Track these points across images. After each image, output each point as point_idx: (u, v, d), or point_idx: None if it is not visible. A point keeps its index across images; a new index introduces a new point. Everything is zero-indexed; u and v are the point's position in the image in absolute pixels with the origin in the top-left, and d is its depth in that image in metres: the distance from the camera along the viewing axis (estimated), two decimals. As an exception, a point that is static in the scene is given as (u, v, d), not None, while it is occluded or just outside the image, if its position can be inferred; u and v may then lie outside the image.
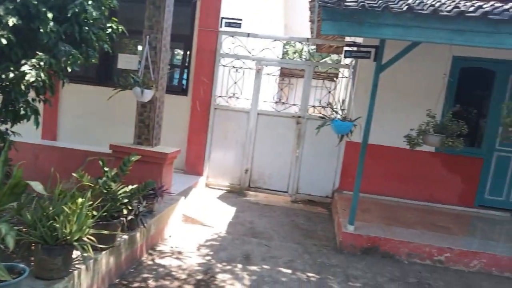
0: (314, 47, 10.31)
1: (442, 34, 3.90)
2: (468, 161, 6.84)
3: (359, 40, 6.47)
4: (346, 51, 5.33)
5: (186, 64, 7.21)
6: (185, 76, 7.30)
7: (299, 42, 6.92)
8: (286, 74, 14.38)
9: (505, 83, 6.56)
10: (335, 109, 4.61)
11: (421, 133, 4.67)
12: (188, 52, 7.16)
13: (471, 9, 3.85)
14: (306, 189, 7.30)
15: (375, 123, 6.55)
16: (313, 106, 7.14)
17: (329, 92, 6.93)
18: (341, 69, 7.48)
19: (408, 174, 6.93)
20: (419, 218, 6.05)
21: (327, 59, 12.70)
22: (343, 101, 6.40)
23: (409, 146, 4.81)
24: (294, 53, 16.83)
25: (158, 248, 4.57)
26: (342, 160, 7.10)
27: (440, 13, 3.76)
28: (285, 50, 17.29)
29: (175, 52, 7.89)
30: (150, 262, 4.19)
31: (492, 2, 4.35)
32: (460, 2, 4.33)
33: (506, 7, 3.89)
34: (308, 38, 6.89)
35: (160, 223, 4.67)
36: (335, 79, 10.99)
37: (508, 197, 6.91)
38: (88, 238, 3.06)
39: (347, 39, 7.47)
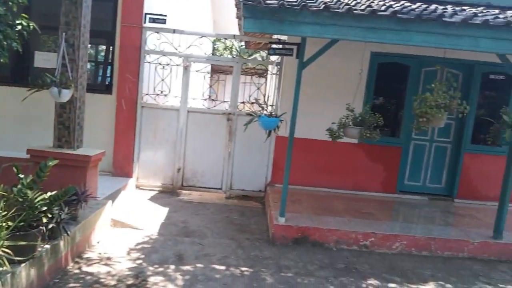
0: (243, 43, 10.39)
1: (357, 32, 4.12)
2: (388, 150, 7.29)
3: (285, 37, 6.62)
4: (270, 48, 5.43)
5: (110, 61, 6.91)
6: (109, 73, 6.99)
7: (226, 38, 6.93)
8: (218, 71, 14.35)
9: (418, 77, 7.09)
10: (261, 106, 4.68)
11: (341, 126, 4.91)
12: (111, 49, 6.87)
13: (383, 8, 4.10)
14: (240, 185, 7.36)
15: (302, 117, 6.78)
16: (243, 102, 7.17)
17: (258, 88, 7.01)
18: (270, 66, 7.60)
19: (334, 165, 7.24)
20: (346, 206, 6.36)
21: (257, 55, 12.82)
22: (268, 97, 6.53)
23: (331, 139, 5.03)
24: (225, 49, 16.80)
25: (85, 256, 4.37)
26: (272, 154, 7.25)
27: (355, 11, 3.97)
28: (215, 46, 17.20)
29: (100, 49, 7.54)
30: (76, 271, 3.99)
31: (402, 2, 4.67)
32: (374, 1, 4.59)
33: (413, 6, 4.20)
34: (234, 35, 6.92)
35: (86, 229, 4.46)
36: (265, 75, 11.17)
37: (424, 182, 7.49)
38: (3, 251, 2.85)
39: (275, 36, 7.62)
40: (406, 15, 3.99)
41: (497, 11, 4.81)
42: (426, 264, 4.92)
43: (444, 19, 3.99)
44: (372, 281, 4.32)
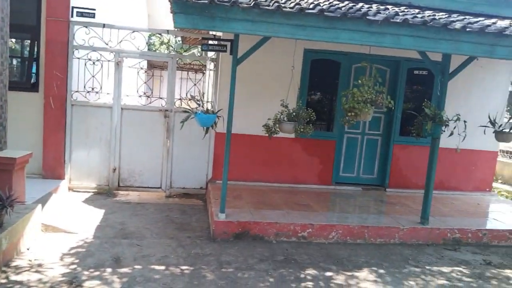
0: (179, 38, 10.21)
1: (287, 29, 4.21)
2: (324, 144, 7.56)
3: (220, 33, 6.61)
4: (203, 44, 5.40)
5: (35, 57, 6.51)
6: (35, 70, 6.58)
7: (160, 34, 6.78)
8: (156, 66, 13.98)
9: (349, 73, 7.40)
10: (198, 102, 4.65)
11: (277, 121, 5.01)
12: (36, 44, 6.47)
13: (311, 6, 4.23)
14: (180, 183, 7.27)
15: (241, 113, 6.86)
16: (180, 99, 7.07)
17: (195, 84, 6.94)
18: (208, 62, 7.56)
19: (274, 159, 7.38)
20: (285, 199, 6.51)
21: (195, 51, 12.69)
22: (204, 94, 6.50)
23: (267, 135, 5.12)
24: (161, 44, 16.43)
25: (13, 264, 4.10)
26: (213, 151, 7.23)
27: (284, 9, 4.05)
28: (151, 41, 16.76)
29: (26, 44, 7.06)
30: (3, 281, 3.74)
31: (331, 0, 4.84)
32: (304, -1, 4.71)
33: (341, 5, 4.37)
34: (168, 30, 6.79)
35: (13, 236, 4.18)
36: (204, 71, 11.08)
37: (358, 173, 7.86)
38: None
39: (212, 32, 7.58)
40: (333, 13, 4.14)
41: (416, 10, 5.14)
42: (360, 252, 5.18)
43: (368, 17, 4.20)
44: (310, 271, 4.47)
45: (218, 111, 4.73)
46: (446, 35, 4.42)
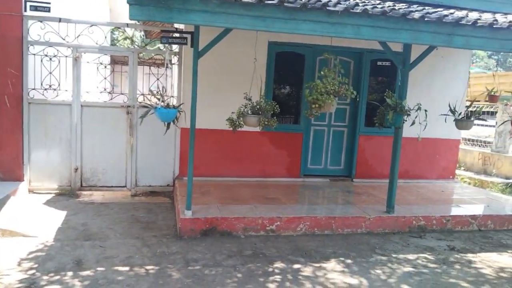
0: (143, 32, 9.97)
1: (246, 21, 4.14)
2: (291, 137, 7.56)
3: (183, 26, 6.47)
4: (162, 37, 5.25)
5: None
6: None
7: (119, 28, 6.56)
8: (120, 62, 13.59)
9: (313, 65, 7.40)
10: (157, 97, 4.51)
11: (240, 115, 4.94)
12: (-13, 40, 6.14)
13: (272, -4, 4.17)
14: (146, 181, 7.10)
15: (207, 107, 6.77)
16: (142, 94, 6.87)
17: (158, 79, 6.75)
18: (171, 55, 7.37)
19: (242, 153, 7.32)
20: (253, 193, 6.47)
21: (160, 45, 12.41)
22: (165, 88, 6.34)
23: (231, 129, 5.05)
24: (125, 39, 16.00)
25: (-35, 273, 3.89)
26: (179, 146, 7.10)
27: (243, 0, 3.97)
28: (115, 36, 16.30)
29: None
30: (-47, 292, 3.54)
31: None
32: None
33: (301, -5, 4.32)
34: (128, 24, 6.58)
35: (-36, 243, 3.95)
36: (170, 65, 10.80)
37: (326, 165, 7.91)
38: None
39: (176, 25, 7.41)
40: (292, 4, 4.09)
41: (377, 1, 5.17)
42: (328, 242, 5.20)
43: (328, 8, 4.18)
44: (278, 264, 4.44)
45: (179, 105, 4.61)
46: (405, 25, 4.46)
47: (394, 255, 4.87)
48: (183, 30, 5.72)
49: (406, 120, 5.23)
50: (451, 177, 8.40)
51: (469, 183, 9.18)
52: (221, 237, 5.15)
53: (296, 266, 4.44)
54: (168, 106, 4.39)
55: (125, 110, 6.78)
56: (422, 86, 7.79)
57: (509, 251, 5.22)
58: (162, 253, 4.62)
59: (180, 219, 5.14)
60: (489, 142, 11.68)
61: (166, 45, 5.86)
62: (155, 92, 4.43)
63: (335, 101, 4.64)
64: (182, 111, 4.59)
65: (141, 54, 7.43)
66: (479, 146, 11.98)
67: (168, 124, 4.58)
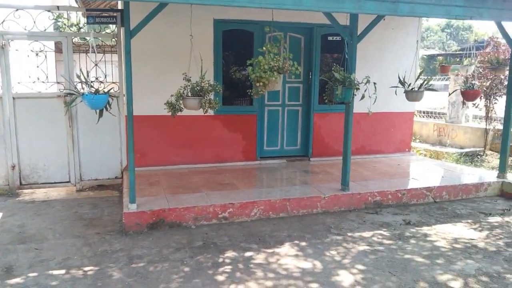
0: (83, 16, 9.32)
1: (177, -7, 3.79)
2: (245, 119, 7.29)
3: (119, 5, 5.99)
4: (88, 17, 4.80)
5: None
6: None
7: (49, 10, 5.99)
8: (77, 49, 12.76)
9: (263, 43, 7.04)
10: (84, 82, 4.08)
11: (180, 97, 4.60)
12: None
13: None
14: (92, 174, 6.67)
15: (153, 92, 6.37)
16: (81, 82, 6.35)
17: (96, 65, 6.27)
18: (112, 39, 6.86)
19: (194, 139, 7.00)
20: (206, 180, 6.18)
21: (108, 30, 11.74)
22: (88, 72, 5.86)
23: (170, 113, 4.70)
24: (71, 26, 15.05)
25: None
26: (125, 136, 6.67)
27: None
28: (59, 22, 15.28)
29: None
30: None
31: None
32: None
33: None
34: (58, 6, 6.01)
35: None
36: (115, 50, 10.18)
37: (282, 146, 7.71)
38: None
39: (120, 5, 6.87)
40: (226, -28, 3.78)
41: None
42: (283, 225, 5.01)
43: (265, -24, 3.89)
44: (229, 254, 4.21)
45: (109, 90, 4.22)
46: (348, -6, 4.24)
47: (349, 234, 4.74)
48: (104, 8, 5.25)
49: (355, 95, 5.05)
50: (407, 150, 8.42)
51: (425, 155, 9.26)
52: (170, 229, 4.85)
53: (249, 253, 4.22)
54: (97, 91, 3.99)
55: (62, 100, 6.27)
56: (373, 60, 7.68)
57: (463, 221, 5.21)
58: (104, 251, 4.28)
59: (124, 214, 4.79)
60: (443, 114, 11.87)
61: (103, 27, 5.40)
62: (81, 77, 3.99)
63: (279, 78, 4.38)
64: (115, 97, 4.21)
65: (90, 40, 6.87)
66: (434, 117, 12.16)
67: (101, 112, 4.19)
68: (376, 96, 4.84)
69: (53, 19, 6.58)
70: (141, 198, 5.11)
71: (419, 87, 5.35)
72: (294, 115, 7.65)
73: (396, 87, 5.51)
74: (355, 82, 4.89)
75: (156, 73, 6.46)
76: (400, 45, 7.88)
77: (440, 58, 8.08)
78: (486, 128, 9.26)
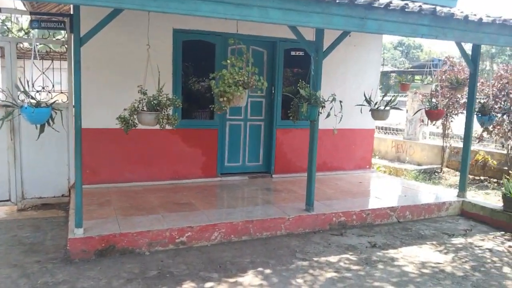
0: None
1: None
2: (205, 134, 6.96)
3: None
4: (32, 21, 4.33)
5: None
6: None
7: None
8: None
9: (225, 55, 6.82)
10: (24, 93, 3.62)
11: (133, 112, 4.20)
12: None
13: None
14: (36, 192, 6.10)
15: (107, 104, 5.91)
16: (24, 91, 5.80)
17: (43, 72, 5.75)
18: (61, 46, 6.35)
19: (151, 155, 6.58)
20: (163, 199, 5.78)
21: (60, 36, 11.07)
22: (27, 82, 5.35)
23: (123, 129, 4.30)
24: (19, 30, 14.11)
25: None
26: (73, 150, 6.17)
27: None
28: (7, 26, 14.28)
29: None
30: None
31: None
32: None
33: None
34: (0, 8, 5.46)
35: None
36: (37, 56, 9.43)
37: (244, 161, 7.43)
38: None
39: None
40: (189, -21, 3.49)
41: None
42: (246, 250, 4.70)
43: (230, -13, 3.63)
44: (187, 285, 3.84)
45: (53, 103, 3.78)
46: (316, 8, 4.04)
47: (315, 259, 4.50)
48: (51, 12, 4.81)
49: (321, 113, 4.87)
50: (367, 166, 8.39)
51: (384, 172, 9.29)
52: (121, 256, 4.40)
53: (209, 284, 3.87)
54: (38, 104, 3.54)
55: (3, 110, 5.66)
56: (336, 76, 7.61)
57: (427, 242, 5.13)
58: (45, 284, 3.78)
59: (68, 240, 4.30)
60: (401, 130, 12.07)
61: (52, 32, 4.92)
62: (21, 87, 3.52)
63: (245, 93, 4.10)
64: (59, 110, 3.77)
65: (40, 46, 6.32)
66: (392, 134, 12.35)
67: (42, 127, 3.72)
68: (342, 115, 4.68)
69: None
70: (89, 221, 4.63)
71: (385, 106, 5.26)
72: (256, 130, 7.41)
73: (362, 105, 5.39)
74: (321, 99, 4.71)
75: (110, 83, 6.02)
76: (363, 61, 7.88)
77: (395, 75, 8.19)
78: (443, 146, 9.45)
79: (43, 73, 5.83)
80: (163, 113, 4.13)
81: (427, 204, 6.08)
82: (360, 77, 7.87)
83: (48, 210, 6.03)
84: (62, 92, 6.12)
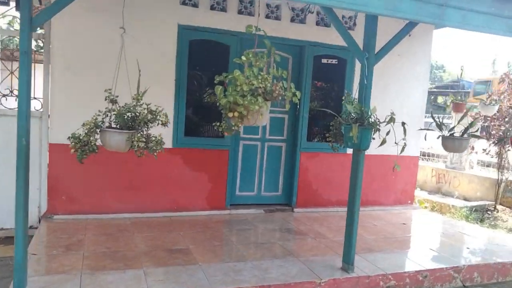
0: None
1: None
2: (214, 155, 5.65)
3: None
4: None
5: None
6: None
7: None
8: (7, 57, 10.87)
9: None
10: None
11: (93, 129, 2.83)
12: None
13: None
14: (-2, 221, 4.83)
15: (86, 114, 4.58)
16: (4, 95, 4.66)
17: (12, 73, 4.58)
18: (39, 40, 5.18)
19: (144, 180, 5.30)
20: (152, 242, 4.42)
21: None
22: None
23: (77, 156, 2.93)
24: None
25: None
26: (46, 171, 4.95)
27: None
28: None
29: None
30: None
31: None
32: None
33: None
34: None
35: None
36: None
37: (259, 190, 6.09)
38: None
39: None
40: None
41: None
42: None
43: None
44: None
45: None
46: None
47: None
48: None
49: (373, 138, 3.47)
50: (409, 202, 6.92)
51: (426, 207, 7.77)
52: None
53: None
54: None
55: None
56: (373, 92, 6.19)
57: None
58: None
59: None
60: (441, 156, 10.52)
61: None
62: None
63: (266, 108, 2.75)
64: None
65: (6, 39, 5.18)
66: (431, 160, 10.80)
67: None
68: (405, 143, 3.29)
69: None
70: (42, 278, 3.34)
71: (462, 133, 3.82)
72: (276, 152, 6.04)
73: (428, 129, 3.98)
74: (374, 120, 3.31)
75: (90, 90, 4.73)
76: (408, 75, 6.49)
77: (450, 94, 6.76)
78: (498, 179, 7.88)
79: (12, 72, 4.64)
80: (140, 132, 2.77)
81: (501, 264, 4.57)
82: (404, 94, 6.48)
83: (11, 245, 4.73)
84: (35, 98, 4.86)
